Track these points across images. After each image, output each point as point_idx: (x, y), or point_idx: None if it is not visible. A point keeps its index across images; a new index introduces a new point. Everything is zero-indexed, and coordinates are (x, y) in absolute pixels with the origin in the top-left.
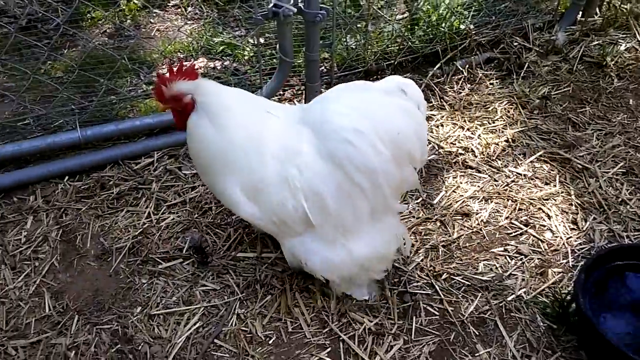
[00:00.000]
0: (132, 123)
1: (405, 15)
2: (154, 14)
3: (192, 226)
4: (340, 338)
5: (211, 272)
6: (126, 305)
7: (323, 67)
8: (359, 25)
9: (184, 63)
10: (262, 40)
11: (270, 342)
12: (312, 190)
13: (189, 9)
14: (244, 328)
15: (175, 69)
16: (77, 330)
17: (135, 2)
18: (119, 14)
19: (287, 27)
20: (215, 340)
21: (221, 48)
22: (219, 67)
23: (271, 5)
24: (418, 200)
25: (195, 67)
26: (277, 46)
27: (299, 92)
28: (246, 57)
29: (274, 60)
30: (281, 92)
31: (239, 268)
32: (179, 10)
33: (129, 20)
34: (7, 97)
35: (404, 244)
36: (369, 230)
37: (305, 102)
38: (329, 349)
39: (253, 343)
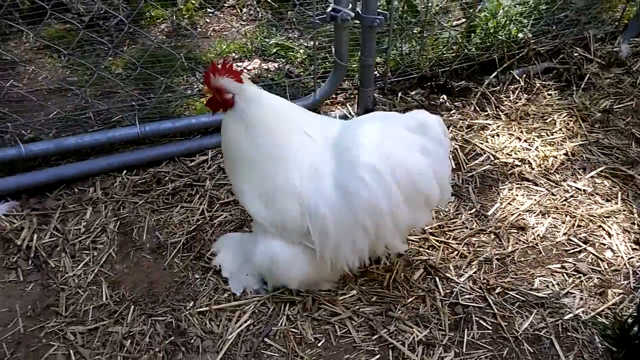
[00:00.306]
0: (188, 121)
1: (461, 21)
2: (210, 14)
3: (243, 225)
4: (391, 345)
5: None
6: (180, 299)
7: (376, 72)
8: (414, 31)
9: (236, 64)
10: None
11: (319, 344)
12: (318, 214)
13: (244, 10)
14: (293, 329)
15: (227, 65)
16: (132, 320)
17: (193, 2)
18: (177, 13)
19: (344, 31)
20: (265, 339)
21: (275, 50)
22: (272, 69)
23: (329, 9)
24: (472, 211)
25: (244, 73)
26: (333, 50)
27: (352, 96)
28: (299, 60)
29: (327, 63)
30: (333, 96)
31: None
32: (235, 11)
33: (186, 20)
34: (70, 92)
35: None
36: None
37: (357, 107)
38: (378, 356)
39: (302, 344)
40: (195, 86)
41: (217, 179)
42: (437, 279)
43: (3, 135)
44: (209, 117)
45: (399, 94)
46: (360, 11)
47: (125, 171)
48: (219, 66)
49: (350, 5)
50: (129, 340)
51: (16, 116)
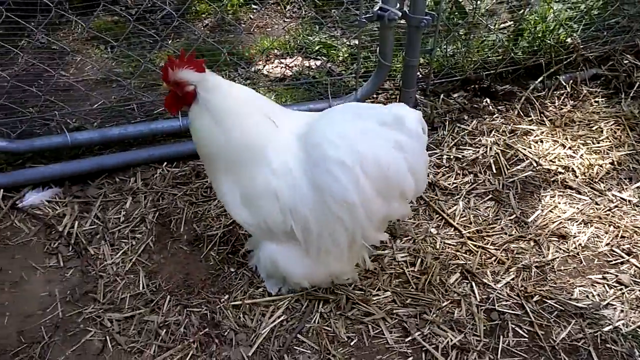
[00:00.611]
0: None
1: (507, 24)
2: (255, 11)
3: None
4: (424, 348)
5: None
6: (214, 292)
7: (419, 73)
8: (460, 33)
9: (195, 54)
10: (356, 42)
11: (352, 344)
12: (297, 211)
13: (288, 7)
14: (326, 327)
15: (185, 57)
16: (168, 310)
17: None
18: (222, 8)
19: (390, 31)
20: (298, 336)
21: (317, 47)
22: (314, 67)
23: (377, 8)
24: (511, 217)
25: (204, 61)
26: (377, 49)
27: (393, 96)
28: (341, 58)
29: (369, 62)
30: (374, 96)
31: None
32: (279, 7)
33: (230, 16)
34: (115, 83)
35: (364, 261)
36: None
37: None
38: (410, 358)
39: (335, 343)
40: (237, 81)
41: None
42: (474, 284)
43: (49, 122)
44: None
45: (441, 96)
46: (407, 11)
47: (165, 163)
48: (178, 59)
49: (398, 5)
50: (164, 330)
51: (62, 104)
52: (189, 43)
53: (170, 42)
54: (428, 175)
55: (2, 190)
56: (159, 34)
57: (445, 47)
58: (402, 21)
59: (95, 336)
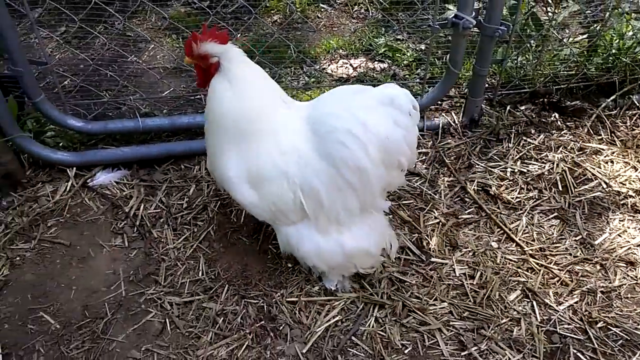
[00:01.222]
0: None
1: (580, 38)
2: (322, 9)
3: None
4: None
5: None
6: (271, 285)
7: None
8: (532, 44)
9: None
10: (422, 47)
11: (406, 351)
12: (309, 185)
13: (356, 7)
14: (381, 332)
15: (208, 31)
16: (226, 299)
17: None
18: (290, 5)
19: (462, 38)
20: (353, 338)
21: (382, 50)
22: (378, 69)
23: (452, 15)
24: (577, 238)
25: (227, 33)
26: (445, 56)
27: (457, 104)
28: (405, 62)
29: (434, 68)
30: (438, 102)
31: (376, 271)
32: (346, 8)
33: (298, 13)
34: (185, 72)
35: (391, 247)
36: (360, 225)
37: (462, 116)
38: None
39: (389, 349)
40: (301, 79)
41: None
42: (535, 304)
43: (121, 107)
44: None
45: (508, 108)
46: (482, 20)
47: None
48: (201, 33)
49: (473, 14)
50: (222, 318)
51: (136, 89)
52: (257, 38)
53: (239, 35)
54: (490, 187)
55: (74, 168)
56: (228, 27)
57: (515, 58)
58: (474, 29)
59: (156, 318)
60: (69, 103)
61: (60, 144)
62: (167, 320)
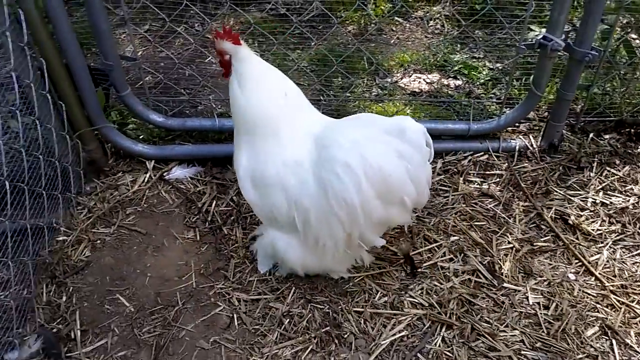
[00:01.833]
0: None
1: None
2: (397, 23)
3: (405, 236)
4: None
5: (420, 286)
6: (338, 293)
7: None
8: (622, 72)
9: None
10: (498, 66)
11: None
12: (301, 203)
13: (432, 22)
14: (448, 352)
15: (226, 31)
16: (292, 301)
17: (382, 8)
18: (365, 17)
19: (549, 61)
20: (418, 355)
21: (458, 67)
22: (452, 86)
23: (540, 36)
24: None
25: (239, 35)
26: (526, 78)
27: (536, 127)
28: (481, 81)
29: (515, 90)
30: (517, 125)
31: (445, 291)
32: (422, 22)
33: (373, 25)
34: None
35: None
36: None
37: (541, 140)
38: None
39: None
40: (373, 90)
41: None
42: (614, 342)
43: (198, 105)
44: None
45: (591, 135)
46: (572, 43)
47: None
48: (222, 31)
49: (563, 36)
50: (287, 319)
51: (213, 89)
52: (331, 47)
53: (312, 43)
54: (569, 216)
55: (153, 161)
56: (302, 35)
57: (602, 84)
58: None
59: (224, 312)
60: (150, 98)
61: (141, 137)
62: (234, 315)
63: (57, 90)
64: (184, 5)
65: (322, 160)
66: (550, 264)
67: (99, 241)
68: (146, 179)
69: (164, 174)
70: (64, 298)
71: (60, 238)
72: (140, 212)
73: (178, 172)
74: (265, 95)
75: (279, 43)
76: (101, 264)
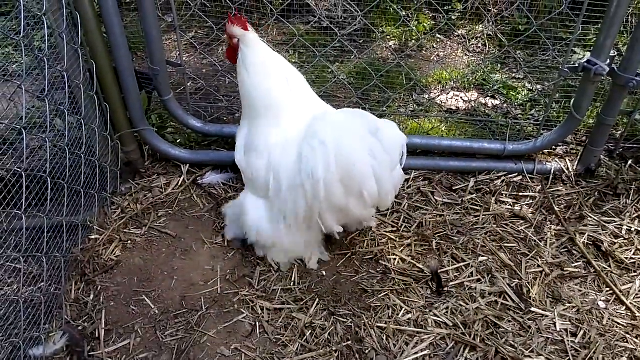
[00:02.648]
0: None
1: None
2: (438, 40)
3: (434, 253)
4: None
5: (445, 305)
6: (361, 307)
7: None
8: None
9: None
10: (538, 87)
11: None
12: (277, 172)
13: (473, 41)
14: None
15: (236, 17)
16: (315, 312)
17: (425, 25)
18: (406, 33)
19: (592, 85)
20: None
21: (496, 87)
22: (490, 105)
23: (584, 60)
24: None
25: (246, 20)
26: (570, 101)
27: (573, 151)
28: (519, 102)
29: (554, 112)
30: (553, 147)
31: (471, 311)
32: (463, 41)
33: (413, 41)
34: None
35: (310, 260)
36: (298, 234)
37: (577, 164)
38: None
39: None
40: (409, 106)
41: (414, 200)
42: None
43: (235, 113)
44: (422, 140)
45: (629, 162)
46: (616, 68)
47: None
48: (234, 17)
49: (608, 61)
50: (309, 331)
51: None
52: (371, 61)
53: (352, 57)
54: (602, 243)
55: (187, 165)
56: (343, 48)
57: None
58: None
59: (246, 319)
60: (191, 104)
61: (178, 141)
62: (257, 323)
63: (103, 92)
64: (225, 14)
65: (307, 135)
66: (580, 291)
67: (129, 241)
68: (180, 183)
69: (198, 179)
70: (92, 296)
71: (93, 237)
72: (171, 214)
73: (211, 177)
74: (270, 78)
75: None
76: (130, 265)
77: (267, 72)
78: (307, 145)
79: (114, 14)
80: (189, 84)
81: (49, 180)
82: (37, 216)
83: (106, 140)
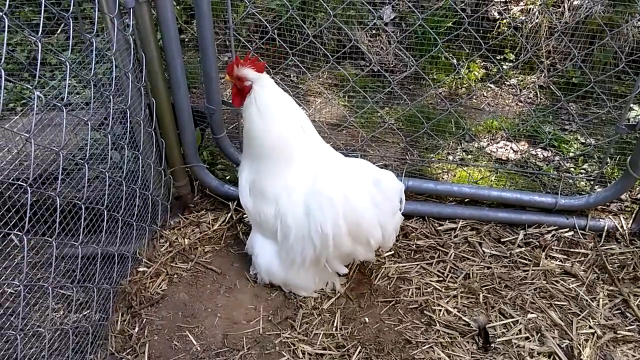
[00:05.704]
0: (449, 187)
1: None
2: (489, 89)
3: (480, 307)
4: None
5: None
6: (404, 357)
7: None
8: None
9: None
10: (591, 141)
11: None
12: (285, 220)
13: (524, 91)
14: None
15: (249, 58)
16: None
17: (476, 73)
18: (457, 81)
19: None
20: None
21: (548, 139)
22: (540, 156)
23: None
24: None
25: (264, 64)
26: (629, 158)
27: (627, 208)
28: (571, 154)
29: (608, 168)
30: (607, 204)
31: None
32: (514, 90)
33: (464, 89)
34: (345, 129)
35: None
36: (306, 274)
37: (632, 223)
38: None
39: None
40: (458, 153)
41: (460, 250)
42: None
43: None
44: (471, 189)
45: None
46: None
47: None
48: (243, 59)
49: None
50: None
51: None
52: (419, 108)
53: (401, 102)
54: (635, 295)
55: (235, 202)
56: (391, 93)
57: None
58: None
59: None
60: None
61: (227, 177)
62: None
63: (160, 127)
64: (280, 55)
65: (313, 189)
66: (634, 356)
67: (175, 275)
68: (227, 219)
69: (244, 216)
70: (137, 329)
71: (141, 269)
72: (217, 250)
73: None
74: (285, 123)
75: (371, 99)
76: (175, 299)
77: (283, 116)
78: (315, 202)
79: (177, 56)
80: (241, 122)
81: (105, 212)
82: (90, 246)
83: (160, 175)
